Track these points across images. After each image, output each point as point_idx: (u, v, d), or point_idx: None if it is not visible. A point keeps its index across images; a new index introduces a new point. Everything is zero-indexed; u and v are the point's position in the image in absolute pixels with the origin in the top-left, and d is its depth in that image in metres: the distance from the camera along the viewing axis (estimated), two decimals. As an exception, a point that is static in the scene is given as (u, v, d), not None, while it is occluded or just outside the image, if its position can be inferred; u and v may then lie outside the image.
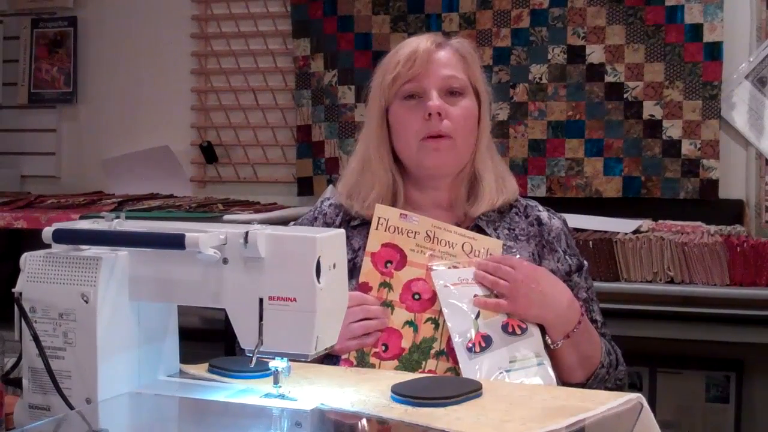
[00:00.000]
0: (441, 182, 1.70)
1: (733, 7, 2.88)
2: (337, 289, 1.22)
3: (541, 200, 1.81)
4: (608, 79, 2.98)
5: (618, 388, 1.68)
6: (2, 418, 1.20)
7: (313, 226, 1.73)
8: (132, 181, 3.33)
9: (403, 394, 1.21)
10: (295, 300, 1.16)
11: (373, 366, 1.52)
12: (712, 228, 2.72)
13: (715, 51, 2.86)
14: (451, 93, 1.66)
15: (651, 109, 2.94)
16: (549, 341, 1.56)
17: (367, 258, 1.59)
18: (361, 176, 1.71)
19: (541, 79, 3.04)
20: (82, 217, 1.41)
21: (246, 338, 1.19)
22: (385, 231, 1.60)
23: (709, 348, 2.73)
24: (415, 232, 1.60)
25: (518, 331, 1.53)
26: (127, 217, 1.28)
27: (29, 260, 1.22)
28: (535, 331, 1.55)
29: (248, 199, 3.31)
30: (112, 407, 1.19)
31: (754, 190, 2.88)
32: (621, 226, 2.70)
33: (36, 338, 1.18)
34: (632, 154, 2.96)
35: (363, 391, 1.26)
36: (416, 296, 1.56)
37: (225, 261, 1.19)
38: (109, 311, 1.20)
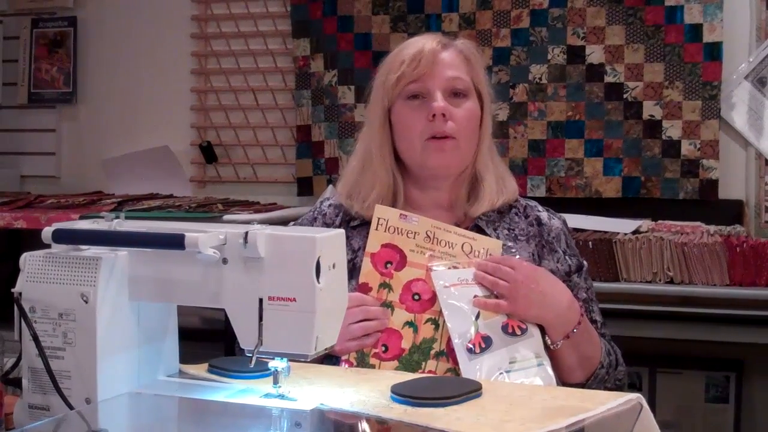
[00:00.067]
0: (442, 182, 1.70)
1: (733, 8, 2.88)
2: (337, 289, 1.22)
3: (541, 200, 1.81)
4: (608, 79, 2.98)
5: (618, 388, 1.68)
6: (2, 418, 1.20)
7: (312, 226, 1.73)
8: (132, 181, 3.33)
9: (402, 394, 1.21)
10: (294, 300, 1.16)
11: (373, 367, 1.52)
12: (712, 228, 2.72)
13: (714, 51, 2.87)
14: (455, 94, 1.66)
15: (651, 110, 2.94)
16: (549, 342, 1.56)
17: (367, 258, 1.59)
18: (362, 175, 1.70)
19: (540, 79, 3.04)
20: (81, 217, 1.41)
21: (246, 338, 1.19)
22: (385, 231, 1.60)
23: (709, 348, 2.73)
24: (415, 233, 1.59)
25: (518, 332, 1.53)
26: (126, 217, 1.28)
27: (29, 260, 1.22)
28: (535, 332, 1.55)
29: (248, 199, 3.31)
30: (111, 407, 1.19)
31: (754, 191, 2.88)
32: (621, 226, 2.70)
33: (36, 338, 1.18)
34: (632, 155, 2.96)
35: (363, 392, 1.26)
36: (416, 297, 1.56)
37: (225, 261, 1.19)
38: (109, 311, 1.20)
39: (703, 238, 2.55)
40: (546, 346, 1.56)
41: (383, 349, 1.54)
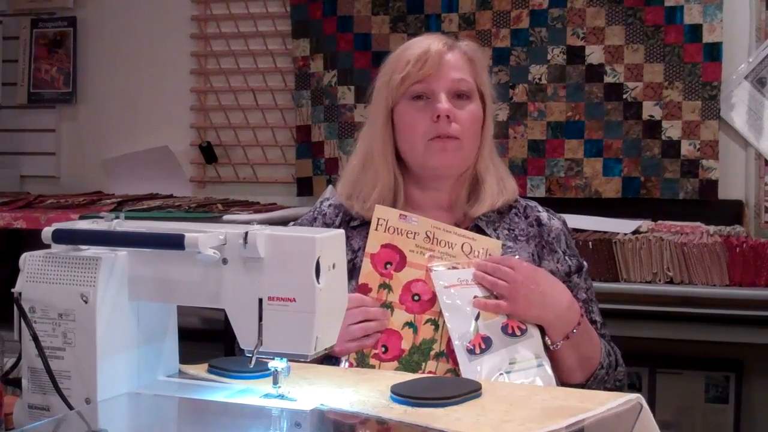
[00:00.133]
0: (443, 183, 1.70)
1: (733, 8, 2.88)
2: (337, 289, 1.22)
3: (541, 201, 1.81)
4: (608, 79, 2.98)
5: (617, 388, 1.68)
6: (2, 418, 1.20)
7: (312, 226, 1.73)
8: (131, 181, 3.34)
9: (402, 394, 1.21)
10: (294, 300, 1.16)
11: (372, 367, 1.52)
12: (712, 228, 2.72)
13: (714, 51, 2.87)
14: (459, 96, 1.66)
15: (650, 110, 2.94)
16: (549, 342, 1.56)
17: (367, 259, 1.59)
18: (363, 175, 1.70)
19: (540, 79, 3.04)
20: (81, 217, 1.41)
21: (245, 338, 1.19)
22: (385, 232, 1.60)
23: (709, 348, 2.73)
24: (415, 233, 1.59)
25: (518, 333, 1.53)
26: (126, 217, 1.28)
27: (29, 260, 1.22)
28: (535, 332, 1.55)
29: (248, 199, 3.31)
30: (111, 407, 1.19)
31: (754, 191, 2.88)
32: (620, 226, 2.70)
33: (35, 338, 1.18)
34: (632, 155, 2.96)
35: (362, 392, 1.26)
36: (416, 297, 1.56)
37: (224, 261, 1.19)
38: (109, 311, 1.20)
39: (702, 239, 2.55)
40: (546, 347, 1.56)
41: (383, 349, 1.54)
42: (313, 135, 3.29)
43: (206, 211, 2.88)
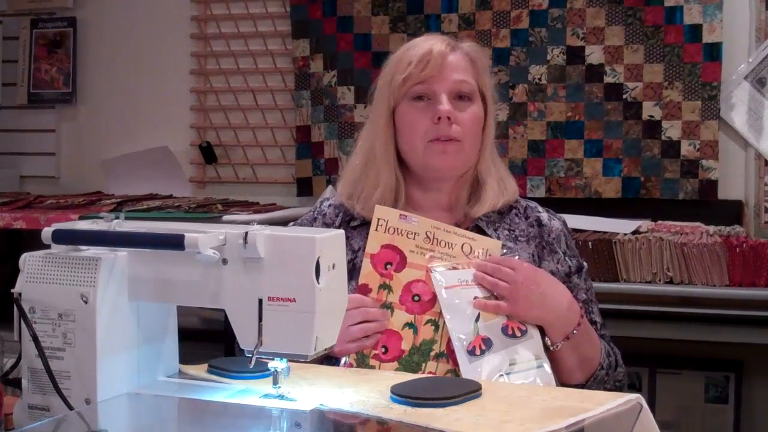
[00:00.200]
0: (444, 184, 1.70)
1: (732, 8, 2.88)
2: (337, 289, 1.22)
3: (541, 201, 1.81)
4: (607, 79, 2.98)
5: (617, 389, 1.67)
6: (2, 418, 1.20)
7: (312, 226, 1.73)
8: (131, 181, 3.33)
9: (402, 394, 1.21)
10: (294, 300, 1.16)
11: (372, 368, 1.52)
12: (711, 228, 2.72)
13: (714, 52, 2.87)
14: (460, 97, 1.66)
15: (650, 110, 2.94)
16: (549, 343, 1.56)
17: (367, 259, 1.59)
18: (364, 174, 1.70)
19: (540, 79, 3.04)
20: (81, 218, 1.41)
21: (245, 339, 1.19)
22: (385, 232, 1.60)
23: (709, 348, 2.73)
24: (415, 233, 1.59)
25: (518, 334, 1.53)
26: (126, 218, 1.28)
27: (28, 261, 1.22)
28: (535, 333, 1.55)
29: (247, 199, 3.31)
30: (111, 408, 1.19)
31: (753, 191, 2.89)
32: (620, 226, 2.70)
33: (35, 339, 1.18)
34: (631, 155, 2.96)
35: (362, 392, 1.26)
36: (416, 298, 1.56)
37: (224, 261, 1.18)
38: (109, 312, 1.20)
39: (702, 239, 2.55)
40: (546, 348, 1.56)
41: (383, 350, 1.54)
42: (312, 135, 3.29)
43: (206, 211, 2.88)
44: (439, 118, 1.62)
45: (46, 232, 1.23)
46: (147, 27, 3.54)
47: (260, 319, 1.17)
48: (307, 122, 3.30)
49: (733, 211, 2.88)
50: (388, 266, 1.58)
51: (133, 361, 1.25)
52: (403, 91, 1.66)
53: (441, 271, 1.57)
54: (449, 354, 1.52)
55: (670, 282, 2.51)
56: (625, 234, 2.62)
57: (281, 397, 1.22)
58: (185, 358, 1.36)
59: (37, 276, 1.21)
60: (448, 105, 1.63)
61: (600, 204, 2.97)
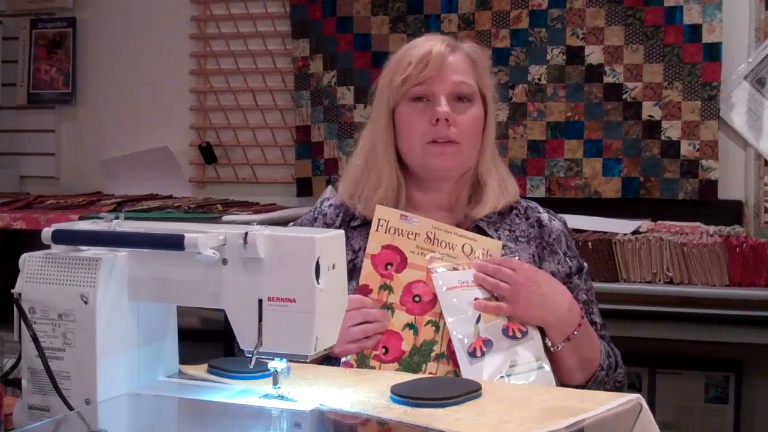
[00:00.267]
0: (444, 184, 1.70)
1: (732, 8, 2.88)
2: (337, 289, 1.22)
3: (541, 201, 1.81)
4: (607, 79, 2.98)
5: (617, 389, 1.67)
6: (2, 418, 1.20)
7: (313, 226, 1.73)
8: (131, 181, 3.34)
9: (402, 394, 1.21)
10: (294, 301, 1.16)
11: (373, 369, 1.52)
12: (711, 228, 2.72)
13: (714, 52, 2.87)
14: (460, 98, 1.65)
15: (650, 110, 2.94)
16: (549, 344, 1.56)
17: (367, 260, 1.58)
18: (365, 174, 1.70)
19: (540, 79, 3.04)
20: (81, 218, 1.41)
21: (245, 339, 1.19)
22: (386, 233, 1.59)
23: (709, 349, 2.73)
24: (416, 234, 1.59)
25: (518, 335, 1.53)
26: (126, 218, 1.28)
27: (28, 261, 1.22)
28: (536, 334, 1.55)
29: (247, 199, 3.31)
30: (111, 408, 1.19)
31: (753, 191, 2.89)
32: (620, 226, 2.70)
33: (35, 339, 1.18)
34: (631, 155, 2.96)
35: (362, 392, 1.26)
36: (416, 299, 1.56)
37: (224, 262, 1.19)
38: (109, 312, 1.20)
39: (702, 239, 2.55)
40: (546, 349, 1.55)
41: (383, 351, 1.53)
42: (312, 135, 3.29)
43: (206, 211, 2.88)
44: (438, 120, 1.62)
45: (46, 233, 1.23)
46: (147, 27, 3.54)
47: (260, 319, 1.17)
48: (306, 122, 3.30)
49: (732, 211, 2.88)
50: (389, 267, 1.58)
51: (133, 362, 1.25)
52: (403, 91, 1.66)
53: (441, 272, 1.57)
54: (449, 355, 1.52)
55: (670, 282, 2.51)
56: (625, 234, 2.62)
57: (281, 397, 1.22)
58: (185, 358, 1.36)
59: (37, 276, 1.21)
60: (446, 107, 1.63)
61: (600, 204, 2.97)
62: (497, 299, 1.55)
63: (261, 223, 1.23)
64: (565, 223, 1.75)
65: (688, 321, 2.50)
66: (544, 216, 1.73)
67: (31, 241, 1.34)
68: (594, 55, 2.99)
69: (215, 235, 1.18)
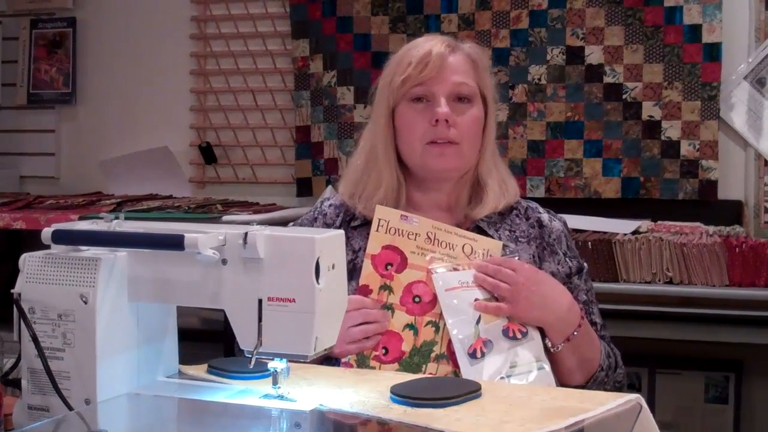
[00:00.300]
0: (444, 185, 1.70)
1: (732, 8, 2.88)
2: (337, 289, 1.22)
3: (540, 201, 1.81)
4: (607, 79, 2.98)
5: (617, 390, 1.67)
6: (1, 418, 1.20)
7: (313, 226, 1.73)
8: (131, 181, 3.34)
9: (402, 394, 1.21)
10: (294, 301, 1.16)
11: (373, 369, 1.52)
12: (711, 229, 2.72)
13: (714, 52, 2.87)
14: (460, 99, 1.65)
15: (650, 110, 2.94)
16: (549, 344, 1.56)
17: (368, 260, 1.58)
18: (366, 174, 1.70)
19: (540, 79, 3.04)
20: (81, 218, 1.41)
21: (245, 339, 1.19)
22: (386, 233, 1.59)
23: (708, 349, 2.73)
24: (416, 234, 1.59)
25: (519, 336, 1.53)
26: (126, 218, 1.28)
27: (28, 261, 1.22)
28: (536, 335, 1.55)
29: (247, 199, 3.31)
30: (111, 408, 1.19)
31: (753, 191, 2.89)
32: (620, 226, 2.70)
33: (35, 339, 1.18)
34: (631, 155, 2.96)
35: (362, 392, 1.26)
36: (417, 299, 1.56)
37: (224, 262, 1.19)
38: (108, 312, 1.20)
39: (702, 239, 2.55)
40: (546, 349, 1.55)
41: (383, 351, 1.53)
42: (312, 135, 3.29)
43: (206, 211, 2.88)
44: (437, 121, 1.62)
45: (46, 233, 1.23)
46: (147, 27, 3.54)
47: (260, 319, 1.17)
48: (306, 122, 3.30)
49: (732, 211, 2.88)
50: (389, 267, 1.58)
51: (133, 362, 1.25)
52: (403, 92, 1.66)
53: (441, 273, 1.57)
54: (450, 355, 1.51)
55: (670, 282, 2.51)
56: (625, 234, 2.62)
57: (281, 397, 1.22)
58: (185, 358, 1.36)
59: (36, 276, 1.21)
60: (446, 107, 1.63)
61: (600, 204, 2.97)
62: (497, 299, 1.55)
63: (261, 223, 1.23)
64: (565, 224, 1.75)
65: (688, 321, 2.50)
66: (545, 216, 1.73)
67: (31, 241, 1.34)
68: (594, 55, 2.99)
69: (215, 235, 1.18)
